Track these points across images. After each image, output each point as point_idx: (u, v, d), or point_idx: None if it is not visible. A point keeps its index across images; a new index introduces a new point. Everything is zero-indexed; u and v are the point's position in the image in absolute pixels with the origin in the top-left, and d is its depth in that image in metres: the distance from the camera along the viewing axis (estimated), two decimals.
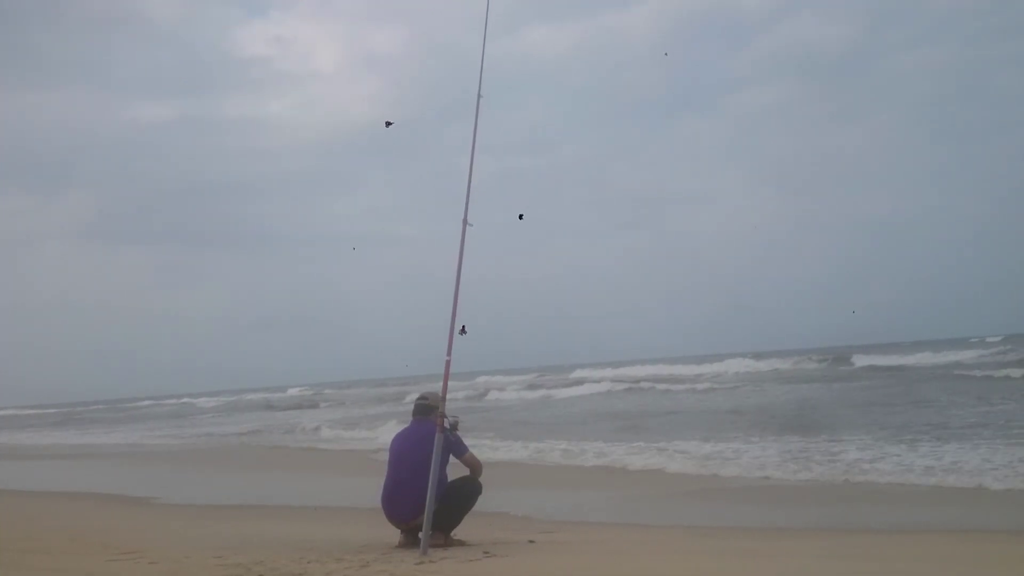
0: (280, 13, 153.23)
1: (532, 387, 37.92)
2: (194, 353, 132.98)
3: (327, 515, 9.46)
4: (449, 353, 6.06)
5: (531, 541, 6.59)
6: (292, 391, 59.74)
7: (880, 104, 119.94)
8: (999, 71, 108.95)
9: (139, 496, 11.81)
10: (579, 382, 37.16)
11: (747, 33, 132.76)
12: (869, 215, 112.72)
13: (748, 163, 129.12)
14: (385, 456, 6.64)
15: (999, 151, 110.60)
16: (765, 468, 10.71)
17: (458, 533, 6.35)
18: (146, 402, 64.45)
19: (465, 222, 6.25)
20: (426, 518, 5.80)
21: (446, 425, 6.05)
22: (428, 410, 6.39)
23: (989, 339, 51.67)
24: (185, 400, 59.47)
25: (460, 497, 6.31)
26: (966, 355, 35.91)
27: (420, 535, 5.84)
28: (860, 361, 37.65)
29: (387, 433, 18.44)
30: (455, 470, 6.37)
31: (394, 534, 6.35)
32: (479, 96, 6.59)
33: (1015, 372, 24.57)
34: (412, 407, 6.62)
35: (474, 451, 6.57)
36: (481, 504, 6.45)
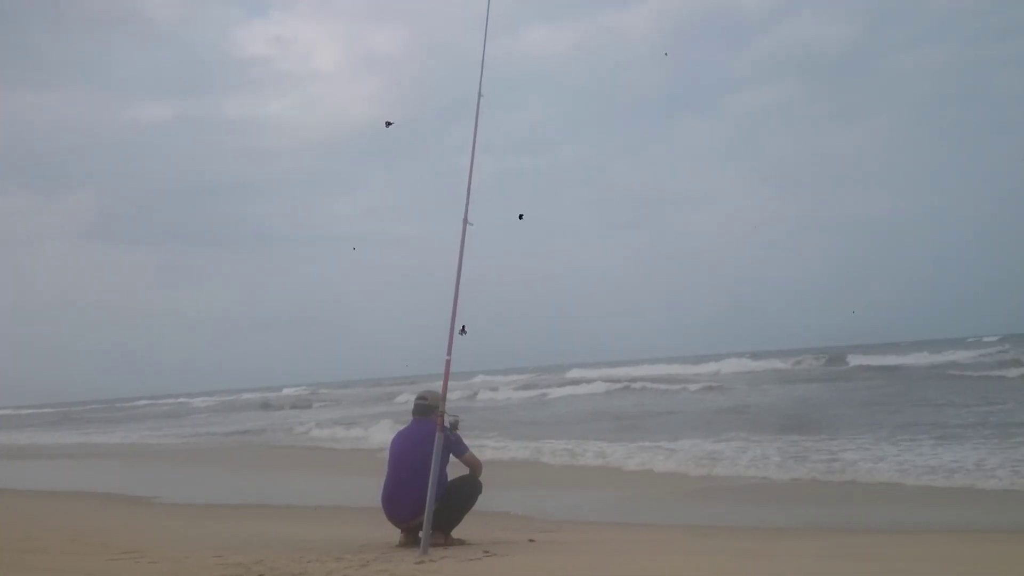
0: (280, 13, 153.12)
1: (526, 387, 37.87)
2: (194, 353, 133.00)
3: (327, 515, 9.47)
4: (449, 353, 6.06)
5: (531, 541, 6.60)
6: (287, 391, 59.72)
7: (880, 104, 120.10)
8: (999, 71, 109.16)
9: (139, 496, 11.81)
10: (576, 382, 37.14)
11: (747, 33, 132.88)
12: (869, 215, 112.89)
13: (748, 163, 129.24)
14: (385, 455, 6.65)
15: (999, 151, 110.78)
16: (764, 468, 10.72)
17: (458, 533, 6.35)
18: (142, 402, 64.40)
19: (465, 222, 6.25)
20: (426, 518, 5.80)
21: (446, 424, 6.05)
22: (428, 410, 6.39)
23: (988, 339, 51.80)
24: (181, 400, 59.47)
25: (460, 497, 6.32)
26: (964, 355, 35.99)
27: (420, 535, 5.84)
28: (858, 361, 37.69)
29: (379, 433, 18.55)
30: (455, 469, 6.38)
31: (394, 534, 6.35)
32: (479, 96, 6.59)
33: (1012, 372, 24.66)
34: (404, 407, 6.63)
35: (473, 451, 6.57)
36: (481, 504, 6.45)
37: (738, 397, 24.90)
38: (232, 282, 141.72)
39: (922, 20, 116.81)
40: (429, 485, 5.83)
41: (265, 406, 42.50)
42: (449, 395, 6.21)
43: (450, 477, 6.32)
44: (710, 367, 39.81)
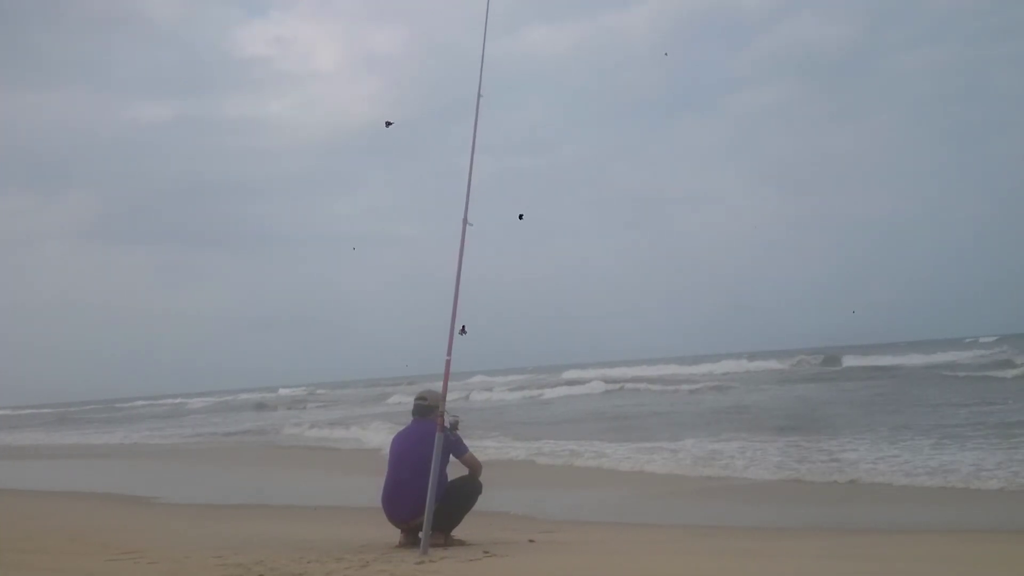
0: (280, 13, 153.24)
1: (525, 387, 37.85)
2: (194, 353, 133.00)
3: (327, 515, 9.47)
4: (449, 353, 6.06)
5: (531, 541, 6.59)
6: (284, 391, 59.66)
7: (880, 104, 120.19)
8: (999, 71, 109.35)
9: (139, 496, 11.81)
10: (574, 382, 37.11)
11: (747, 33, 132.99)
12: (868, 215, 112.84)
13: (748, 163, 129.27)
14: (384, 455, 6.64)
15: (999, 151, 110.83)
16: (764, 468, 10.72)
17: (458, 533, 6.35)
18: (140, 402, 64.35)
19: (465, 222, 6.25)
20: (426, 518, 5.80)
21: (446, 424, 6.05)
22: (428, 410, 6.39)
23: (986, 339, 51.88)
24: (179, 400, 59.40)
25: (460, 497, 6.32)
26: (962, 356, 36.06)
27: (420, 535, 5.84)
28: (857, 361, 37.74)
29: (369, 434, 18.60)
30: (455, 470, 6.38)
31: (394, 534, 6.35)
32: (479, 96, 6.59)
33: (1010, 372, 24.72)
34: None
35: (473, 452, 6.57)
36: (481, 504, 6.45)
37: (737, 397, 24.91)
38: (232, 282, 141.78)
39: (922, 20, 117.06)
40: (429, 485, 5.83)
41: (260, 407, 42.42)
42: (446, 396, 6.21)
43: (450, 477, 6.32)
44: (710, 367, 39.82)
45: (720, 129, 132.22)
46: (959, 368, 29.60)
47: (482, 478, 6.47)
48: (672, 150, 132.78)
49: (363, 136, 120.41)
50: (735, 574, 5.32)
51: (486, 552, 5.85)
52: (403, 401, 33.83)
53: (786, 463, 10.84)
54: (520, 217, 11.50)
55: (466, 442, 6.46)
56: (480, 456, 6.74)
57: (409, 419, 6.65)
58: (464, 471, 6.42)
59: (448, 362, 6.07)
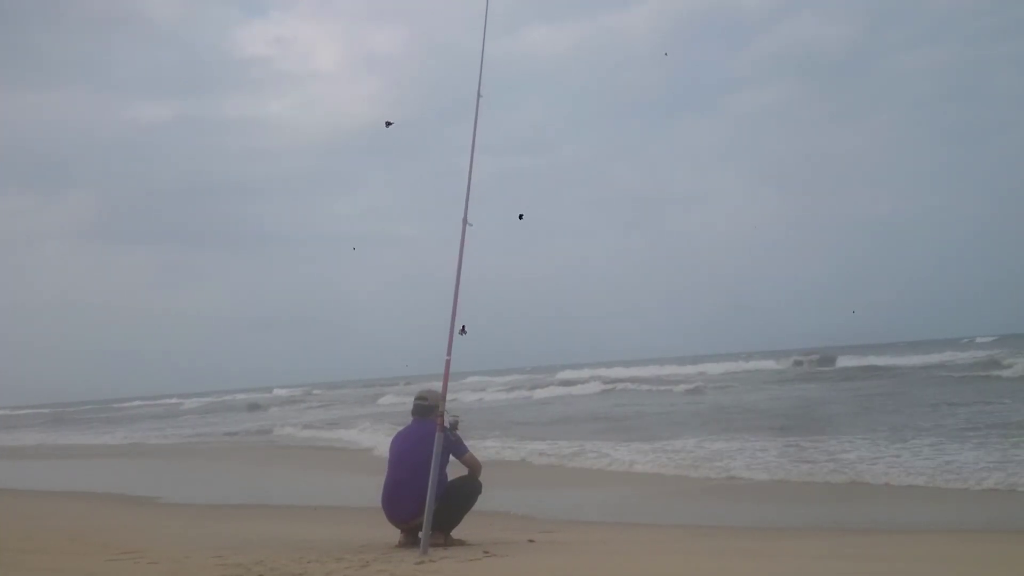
0: (280, 13, 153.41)
1: (523, 387, 37.83)
2: (194, 353, 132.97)
3: (327, 515, 9.46)
4: (449, 353, 6.06)
5: (531, 541, 6.59)
6: (278, 391, 59.57)
7: (880, 104, 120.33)
8: (999, 71, 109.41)
9: (139, 496, 11.81)
10: (572, 382, 37.10)
11: (747, 33, 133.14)
12: (868, 215, 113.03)
13: (748, 163, 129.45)
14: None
15: (999, 151, 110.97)
16: (764, 468, 10.72)
17: (458, 533, 6.35)
18: (137, 402, 64.29)
19: (465, 222, 6.25)
20: (426, 518, 5.79)
21: (446, 424, 6.05)
22: (427, 410, 6.38)
23: (985, 339, 51.90)
24: (175, 400, 59.32)
25: (460, 497, 6.31)
26: (961, 356, 36.05)
27: (420, 535, 5.84)
28: (856, 361, 37.70)
29: (358, 435, 18.59)
30: (455, 470, 6.38)
31: (394, 534, 6.35)
32: (479, 96, 6.59)
33: (1008, 373, 24.72)
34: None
35: (473, 452, 6.57)
36: (481, 504, 6.45)
37: (737, 397, 24.92)
38: (232, 282, 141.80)
39: (922, 20, 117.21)
40: (429, 485, 5.83)
41: (252, 407, 42.33)
42: (446, 396, 6.20)
43: (450, 477, 6.32)
44: (710, 367, 39.85)
45: (720, 129, 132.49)
46: (958, 368, 29.64)
47: (482, 478, 6.47)
48: (672, 150, 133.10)
49: (363, 136, 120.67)
50: (735, 574, 5.31)
51: (486, 552, 5.85)
52: (394, 402, 33.83)
53: (786, 463, 10.84)
54: (520, 217, 11.52)
55: (466, 442, 6.46)
56: (479, 456, 6.74)
57: (409, 419, 6.65)
58: (464, 471, 6.42)
59: (448, 362, 6.07)
